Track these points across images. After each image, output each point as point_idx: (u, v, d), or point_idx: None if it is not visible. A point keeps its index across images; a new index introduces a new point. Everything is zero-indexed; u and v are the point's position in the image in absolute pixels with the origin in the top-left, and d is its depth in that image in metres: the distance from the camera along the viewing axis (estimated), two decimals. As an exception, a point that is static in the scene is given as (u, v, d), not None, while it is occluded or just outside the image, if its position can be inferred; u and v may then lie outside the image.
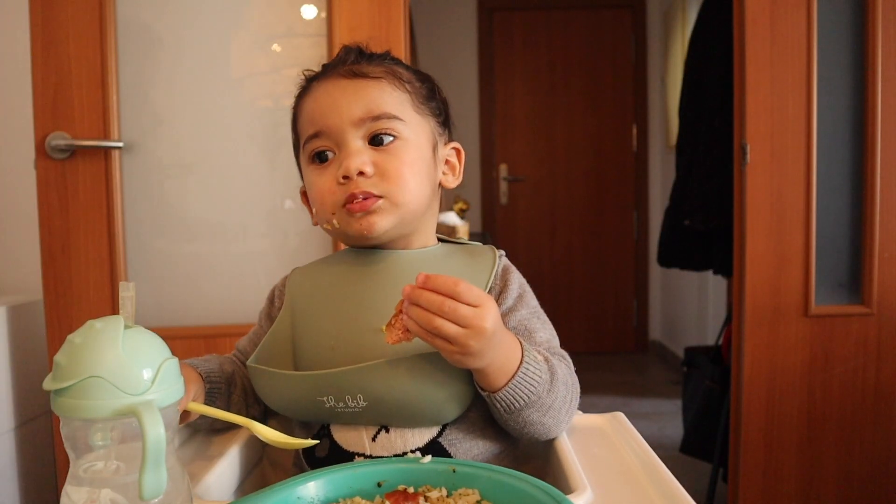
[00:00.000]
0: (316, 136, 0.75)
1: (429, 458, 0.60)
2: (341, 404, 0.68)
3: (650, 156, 4.15)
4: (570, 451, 0.68)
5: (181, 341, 1.48)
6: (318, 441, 0.71)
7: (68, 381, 0.48)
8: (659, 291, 4.21)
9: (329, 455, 0.71)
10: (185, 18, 1.53)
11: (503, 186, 4.22)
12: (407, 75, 0.78)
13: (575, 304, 4.21)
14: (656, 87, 4.09)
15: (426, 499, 0.56)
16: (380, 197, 0.72)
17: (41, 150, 1.44)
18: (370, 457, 0.70)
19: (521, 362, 0.65)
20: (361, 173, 0.72)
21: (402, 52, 1.49)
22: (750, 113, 1.64)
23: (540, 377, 0.66)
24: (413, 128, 0.76)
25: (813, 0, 1.62)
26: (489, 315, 0.60)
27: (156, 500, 0.48)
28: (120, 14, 1.48)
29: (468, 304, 0.59)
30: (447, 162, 0.82)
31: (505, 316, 0.75)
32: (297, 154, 0.82)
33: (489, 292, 0.76)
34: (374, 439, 0.70)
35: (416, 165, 0.75)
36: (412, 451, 0.70)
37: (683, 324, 3.74)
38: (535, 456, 0.79)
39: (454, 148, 0.83)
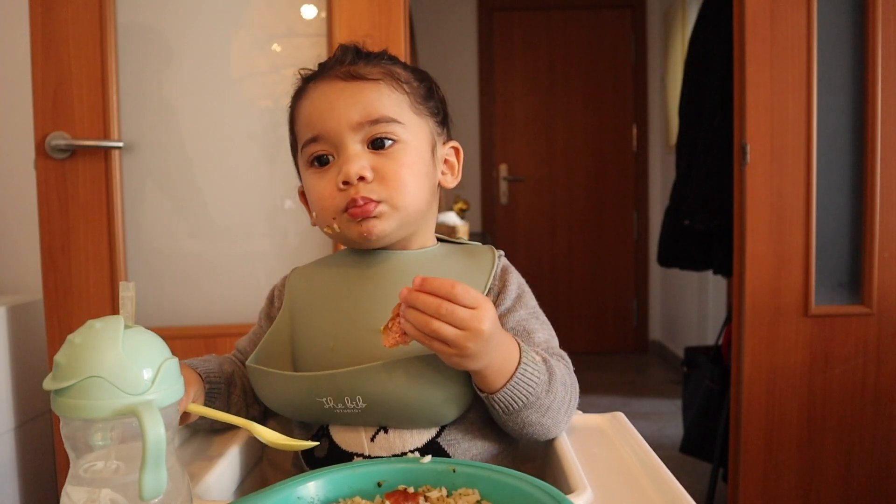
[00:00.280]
0: (314, 140, 0.75)
1: (429, 458, 0.60)
2: (340, 405, 0.68)
3: (650, 156, 4.15)
4: (570, 451, 0.68)
5: (181, 341, 1.48)
6: (317, 443, 0.71)
7: (68, 381, 0.48)
8: (659, 291, 4.21)
9: (328, 455, 0.71)
10: (185, 18, 1.53)
11: (503, 186, 4.21)
12: (405, 75, 0.78)
13: (575, 304, 4.21)
14: (656, 86, 4.09)
15: (426, 499, 0.56)
16: (380, 202, 0.72)
17: (41, 150, 1.44)
18: (369, 457, 0.70)
19: (518, 363, 0.65)
20: (361, 178, 0.72)
21: (401, 52, 1.49)
22: (750, 113, 1.64)
23: (538, 378, 0.66)
24: (412, 130, 0.75)
25: (813, 0, 1.62)
26: (486, 317, 0.60)
27: (156, 500, 0.48)
28: (120, 14, 1.48)
29: (465, 307, 0.59)
30: (446, 161, 0.82)
31: (503, 316, 0.75)
32: (294, 155, 0.82)
33: (488, 293, 0.76)
34: (372, 440, 0.70)
35: (415, 168, 0.74)
36: (411, 452, 0.70)
37: (683, 324, 3.74)
38: (534, 456, 0.79)
39: (453, 147, 0.83)
